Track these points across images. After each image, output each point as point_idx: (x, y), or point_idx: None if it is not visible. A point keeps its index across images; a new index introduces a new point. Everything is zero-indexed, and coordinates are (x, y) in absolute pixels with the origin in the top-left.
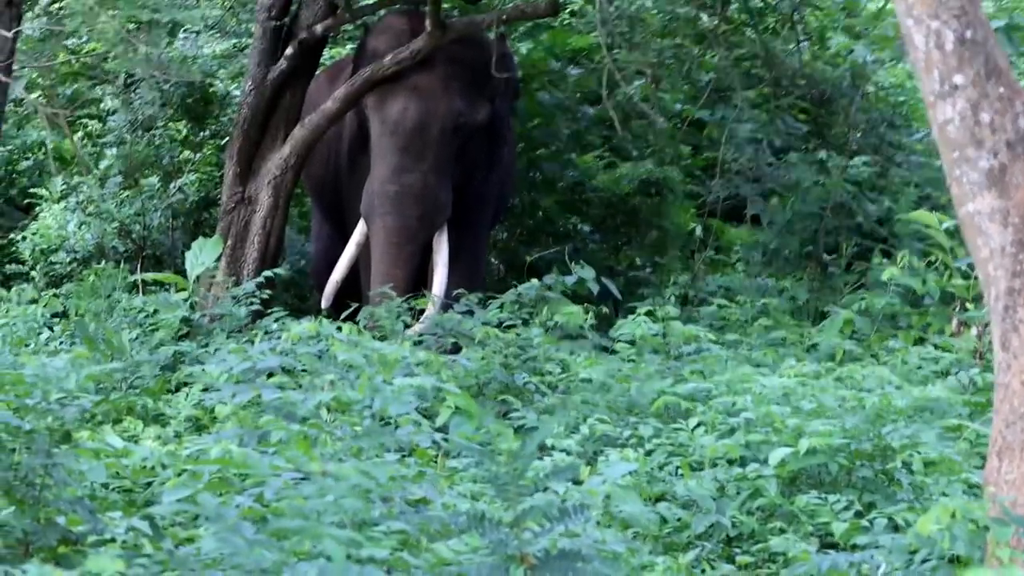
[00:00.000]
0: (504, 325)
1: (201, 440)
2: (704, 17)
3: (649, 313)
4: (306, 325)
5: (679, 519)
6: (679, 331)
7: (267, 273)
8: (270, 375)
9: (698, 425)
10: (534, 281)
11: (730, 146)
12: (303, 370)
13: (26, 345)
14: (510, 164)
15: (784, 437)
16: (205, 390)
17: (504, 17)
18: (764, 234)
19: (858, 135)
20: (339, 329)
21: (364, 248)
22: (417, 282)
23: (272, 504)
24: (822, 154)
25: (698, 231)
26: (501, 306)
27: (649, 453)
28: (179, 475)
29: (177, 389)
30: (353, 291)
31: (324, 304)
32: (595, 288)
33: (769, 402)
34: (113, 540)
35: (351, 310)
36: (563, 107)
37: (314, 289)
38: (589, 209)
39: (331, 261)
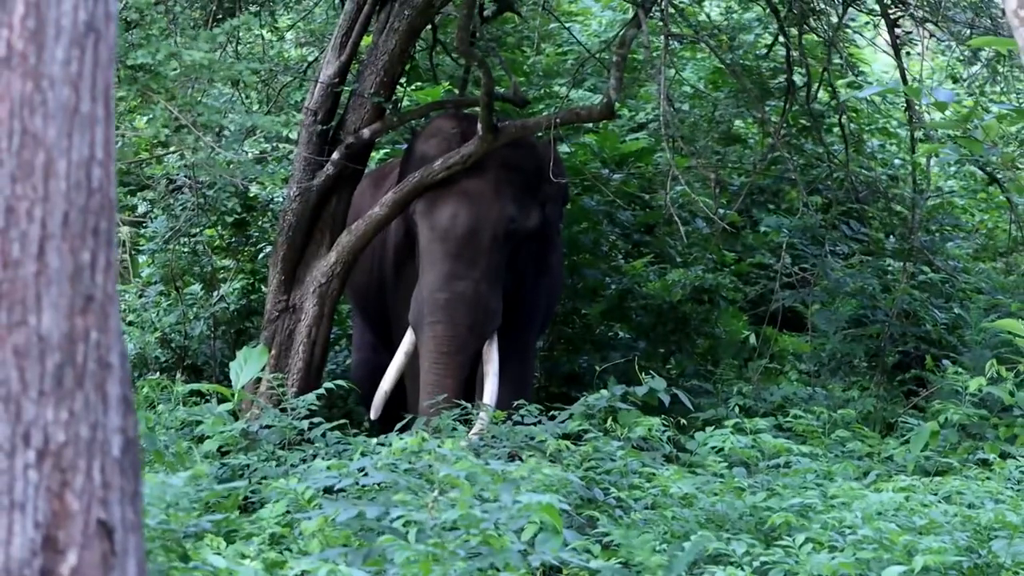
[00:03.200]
0: (574, 437)
1: (305, 560)
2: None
3: (736, 426)
4: (409, 440)
5: None
6: (770, 444)
7: (328, 385)
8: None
9: (806, 541)
10: (603, 392)
11: (786, 252)
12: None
13: None
14: (558, 270)
15: (895, 554)
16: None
17: (558, 120)
18: (827, 341)
19: (924, 238)
20: (440, 444)
21: (411, 358)
22: (466, 392)
23: None
24: (888, 261)
25: (752, 339)
26: (570, 416)
27: (763, 572)
28: None
29: (246, 504)
30: (395, 401)
31: (373, 415)
32: (666, 399)
33: (878, 517)
34: None
35: (405, 421)
36: (609, 212)
37: (355, 398)
38: (636, 317)
39: (373, 370)
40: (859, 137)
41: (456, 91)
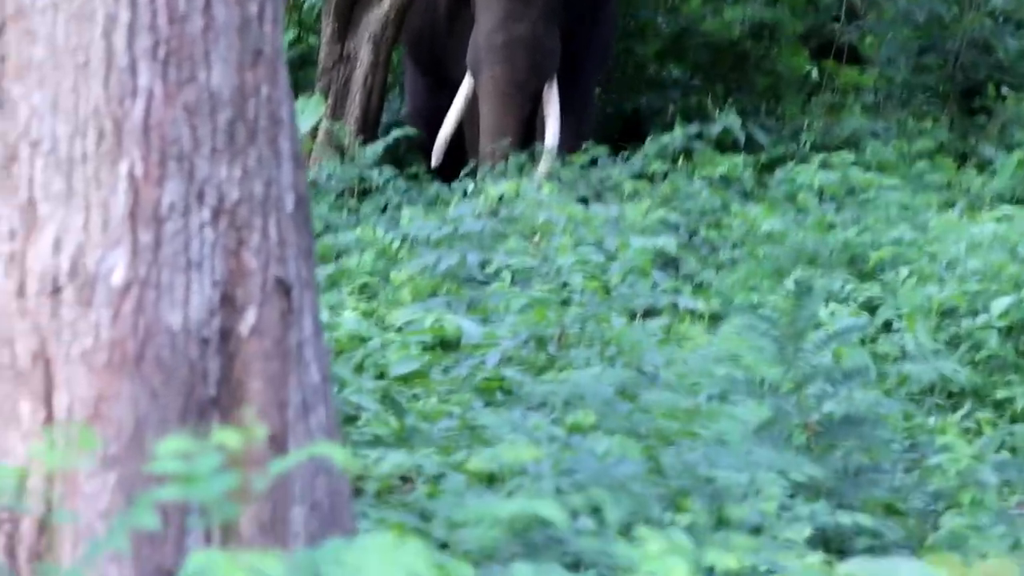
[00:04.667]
0: (648, 178)
1: (408, 309)
2: None
3: (823, 162)
4: (505, 185)
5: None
6: (860, 178)
7: (396, 133)
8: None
9: (910, 275)
10: (678, 130)
11: None
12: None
13: None
14: (614, 9)
15: (1002, 285)
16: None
17: None
18: (895, 73)
19: None
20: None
21: (469, 102)
22: (527, 134)
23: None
24: None
25: (814, 74)
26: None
27: (870, 308)
28: (385, 347)
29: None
30: (452, 147)
31: (434, 162)
32: (741, 136)
33: (982, 249)
34: (355, 418)
35: (469, 167)
36: None
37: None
38: (694, 56)
39: (428, 117)
40: None
41: None
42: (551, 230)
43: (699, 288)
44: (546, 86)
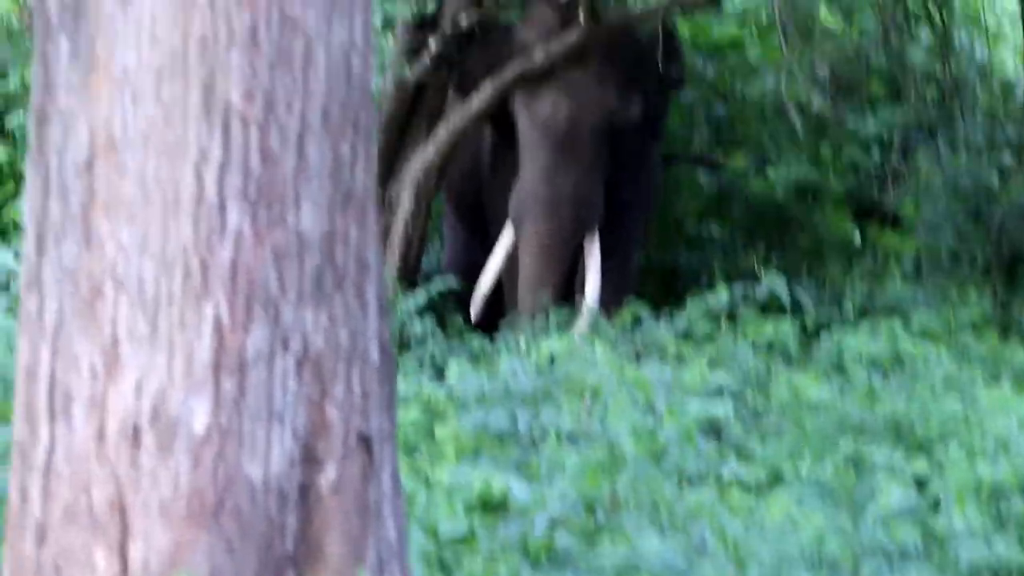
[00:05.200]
0: (693, 337)
1: (455, 468)
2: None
3: (869, 330)
4: (558, 342)
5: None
6: (910, 347)
7: (438, 286)
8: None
9: (961, 451)
10: (723, 291)
11: (897, 149)
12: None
13: None
14: (659, 165)
15: None
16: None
17: (663, 10)
18: (937, 239)
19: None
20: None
21: (508, 256)
22: (567, 288)
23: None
24: (1006, 157)
25: (856, 238)
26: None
27: (918, 482)
28: (430, 505)
29: None
30: (490, 301)
31: (473, 317)
32: (787, 300)
33: None
34: None
35: (506, 320)
36: (705, 103)
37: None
38: (733, 214)
39: (466, 268)
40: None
41: None
42: (601, 390)
43: (743, 455)
44: (587, 238)
